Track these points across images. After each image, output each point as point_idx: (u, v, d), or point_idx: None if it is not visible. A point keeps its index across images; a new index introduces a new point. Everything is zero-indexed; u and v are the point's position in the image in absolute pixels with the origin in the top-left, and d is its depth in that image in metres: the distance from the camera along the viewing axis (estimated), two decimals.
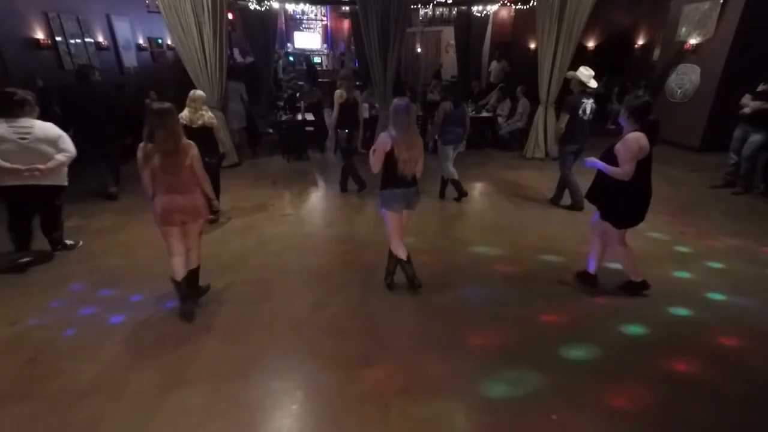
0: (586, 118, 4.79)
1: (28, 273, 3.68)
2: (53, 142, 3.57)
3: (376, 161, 3.15)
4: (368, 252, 4.08)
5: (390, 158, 3.07)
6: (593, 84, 4.73)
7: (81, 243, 4.21)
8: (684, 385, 2.49)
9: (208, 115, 4.51)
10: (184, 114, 4.42)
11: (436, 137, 5.26)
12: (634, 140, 2.94)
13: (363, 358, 2.70)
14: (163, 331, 2.97)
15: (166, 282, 3.54)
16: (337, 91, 5.33)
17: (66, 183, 3.81)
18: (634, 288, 3.36)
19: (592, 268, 3.44)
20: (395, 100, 3.15)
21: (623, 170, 2.96)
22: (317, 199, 5.83)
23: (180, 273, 3.06)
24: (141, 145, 2.77)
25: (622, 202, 3.12)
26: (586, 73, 4.72)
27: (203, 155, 4.64)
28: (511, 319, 3.11)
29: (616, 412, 2.29)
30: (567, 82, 5.28)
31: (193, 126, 4.39)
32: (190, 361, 2.67)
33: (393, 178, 3.13)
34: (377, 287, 3.51)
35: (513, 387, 2.47)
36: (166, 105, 2.81)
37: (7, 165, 3.42)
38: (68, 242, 4.14)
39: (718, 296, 3.37)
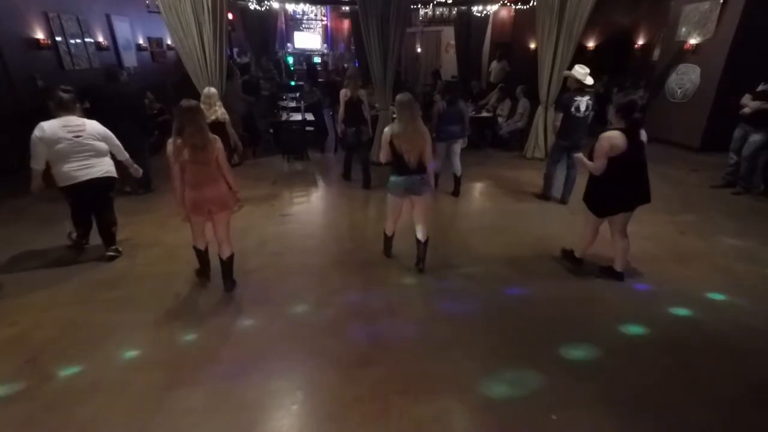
0: (580, 115, 4.83)
1: (27, 273, 3.68)
2: (105, 138, 3.73)
3: (382, 153, 3.47)
4: (368, 252, 4.08)
5: (394, 149, 3.36)
6: (589, 81, 4.79)
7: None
8: (683, 385, 2.49)
9: (221, 111, 4.85)
10: None
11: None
12: (605, 139, 3.19)
13: (363, 358, 2.70)
14: (163, 331, 2.97)
15: (167, 282, 3.57)
16: (342, 90, 5.59)
17: (116, 174, 3.91)
18: (568, 255, 3.83)
19: (618, 268, 3.60)
20: (398, 96, 3.39)
21: (594, 165, 3.27)
22: (317, 199, 5.83)
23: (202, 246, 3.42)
24: (170, 140, 2.94)
25: (598, 193, 3.44)
26: (581, 71, 4.79)
27: None
28: (511, 318, 3.11)
29: (616, 412, 2.29)
30: (567, 81, 5.31)
31: (208, 122, 4.62)
32: (190, 361, 2.67)
33: (398, 166, 3.42)
34: (377, 287, 3.51)
35: (513, 387, 2.47)
36: (194, 102, 2.99)
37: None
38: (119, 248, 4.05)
39: (718, 296, 3.37)
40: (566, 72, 5.07)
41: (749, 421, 2.27)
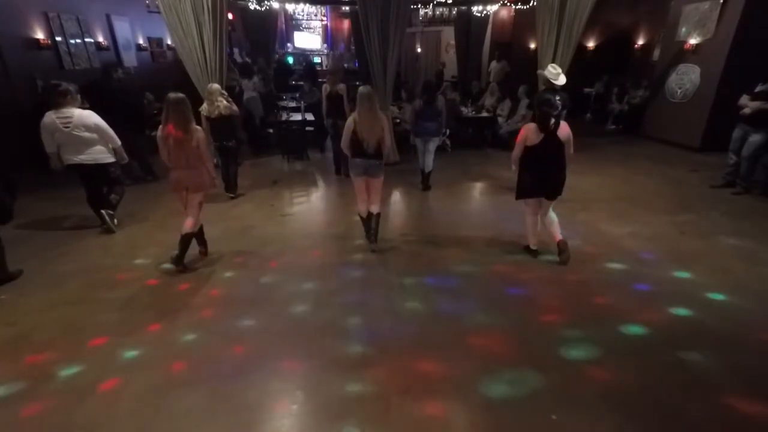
0: None
1: (27, 273, 3.68)
2: (90, 128, 4.12)
3: (345, 141, 3.83)
4: (368, 252, 4.08)
5: (355, 135, 3.73)
6: (561, 81, 4.86)
7: (116, 225, 4.58)
8: (683, 384, 2.49)
9: (223, 105, 5.10)
10: (204, 107, 5.04)
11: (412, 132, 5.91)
12: (524, 129, 3.58)
13: (363, 358, 2.70)
14: (163, 331, 2.97)
15: (166, 282, 3.57)
16: (324, 86, 6.18)
17: (112, 159, 4.41)
18: (526, 250, 4.04)
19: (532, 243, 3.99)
20: (360, 88, 3.76)
21: (513, 153, 3.69)
22: (317, 199, 5.84)
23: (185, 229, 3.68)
24: (160, 127, 3.42)
25: (519, 178, 3.78)
26: (553, 71, 4.94)
27: (222, 139, 5.32)
28: (511, 318, 3.11)
29: (616, 412, 2.29)
30: (566, 81, 5.32)
31: (212, 116, 5.03)
32: (190, 362, 2.67)
33: (357, 150, 3.80)
34: (377, 287, 3.52)
35: (513, 387, 2.47)
36: (180, 95, 3.41)
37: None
38: (114, 220, 4.55)
39: (718, 296, 3.37)
40: (539, 71, 5.19)
41: (749, 420, 2.27)
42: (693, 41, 7.62)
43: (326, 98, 6.05)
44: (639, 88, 9.34)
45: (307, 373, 2.59)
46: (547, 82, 4.90)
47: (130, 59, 9.14)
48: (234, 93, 7.18)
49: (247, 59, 10.82)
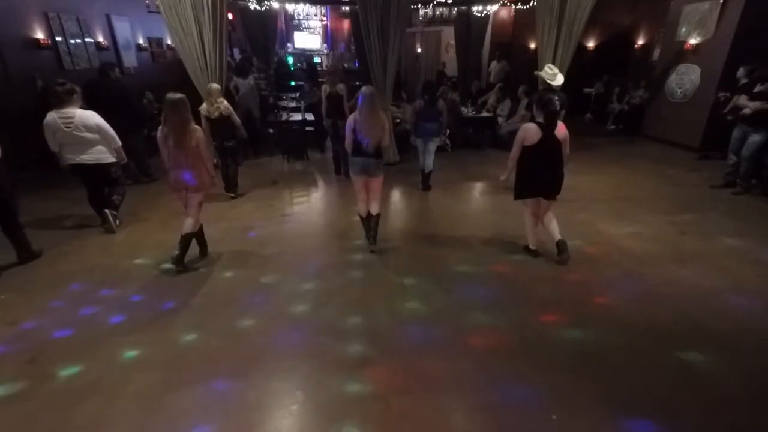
0: None
1: (27, 273, 3.68)
2: (91, 128, 4.12)
3: (347, 140, 3.84)
4: (368, 252, 4.08)
5: (356, 135, 3.75)
6: (558, 81, 4.88)
7: (118, 226, 4.54)
8: (683, 384, 2.49)
9: (224, 105, 5.12)
10: (204, 107, 5.06)
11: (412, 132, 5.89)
12: (522, 129, 3.58)
13: (363, 358, 2.70)
14: (163, 331, 2.97)
15: (166, 282, 3.58)
16: (323, 86, 6.18)
17: (113, 159, 4.38)
18: (526, 250, 4.03)
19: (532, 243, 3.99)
20: (362, 88, 3.79)
21: (512, 152, 3.67)
22: (317, 199, 5.84)
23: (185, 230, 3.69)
24: (159, 128, 3.45)
25: (516, 179, 3.77)
26: (550, 72, 5.01)
27: (223, 140, 5.37)
28: (511, 318, 3.11)
29: (616, 412, 2.29)
30: (566, 81, 5.34)
31: (212, 117, 5.04)
32: (190, 361, 2.67)
33: (357, 149, 3.81)
34: (377, 287, 3.52)
35: (513, 386, 2.47)
36: (178, 95, 3.41)
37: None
38: (117, 221, 4.53)
39: (718, 296, 3.36)
40: (536, 72, 5.23)
41: (749, 421, 2.27)
42: (693, 41, 7.62)
43: (326, 98, 6.07)
44: (639, 88, 9.35)
45: (307, 373, 2.59)
46: (545, 82, 4.93)
47: (130, 59, 9.14)
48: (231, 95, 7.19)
49: (234, 58, 10.73)
